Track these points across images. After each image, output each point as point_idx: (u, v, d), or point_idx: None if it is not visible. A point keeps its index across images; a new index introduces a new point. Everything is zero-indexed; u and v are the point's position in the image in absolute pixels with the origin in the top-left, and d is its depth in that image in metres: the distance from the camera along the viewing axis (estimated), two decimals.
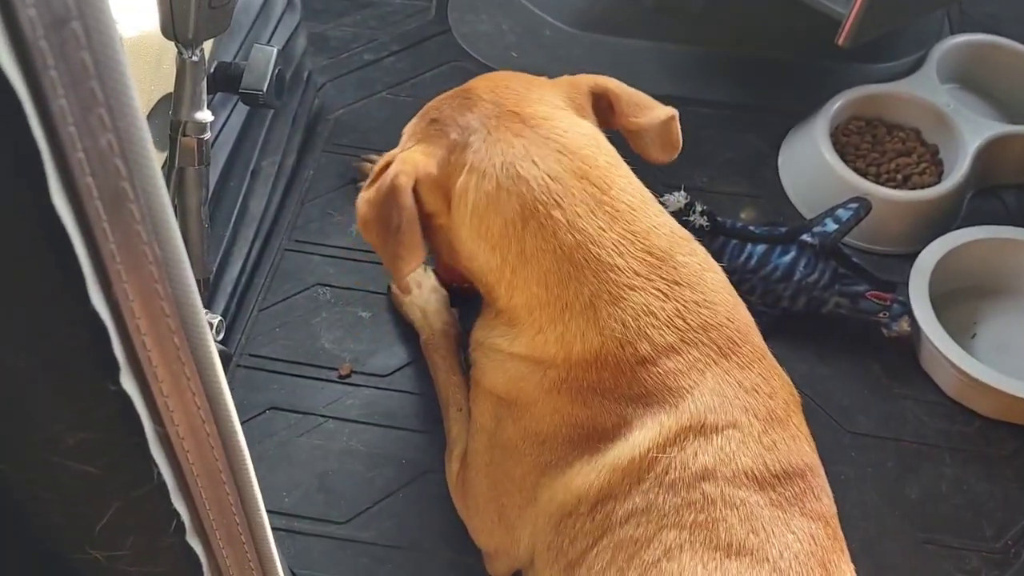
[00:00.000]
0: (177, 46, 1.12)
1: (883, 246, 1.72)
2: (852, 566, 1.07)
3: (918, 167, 1.76)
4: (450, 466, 1.34)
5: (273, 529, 0.71)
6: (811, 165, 1.76)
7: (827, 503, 1.08)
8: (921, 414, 1.53)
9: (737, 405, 1.06)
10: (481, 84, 1.19)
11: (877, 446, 1.49)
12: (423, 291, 1.53)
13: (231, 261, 1.55)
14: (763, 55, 2.01)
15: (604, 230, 1.08)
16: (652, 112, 1.24)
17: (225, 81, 1.27)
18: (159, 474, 0.57)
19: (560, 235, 1.07)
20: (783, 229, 1.57)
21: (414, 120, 1.21)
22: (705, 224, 1.54)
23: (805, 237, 1.53)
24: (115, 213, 0.46)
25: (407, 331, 1.56)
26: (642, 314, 1.07)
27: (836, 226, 1.53)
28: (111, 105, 0.44)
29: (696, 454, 1.03)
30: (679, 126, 1.26)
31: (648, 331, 1.06)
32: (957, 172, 1.71)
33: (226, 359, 1.40)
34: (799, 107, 1.86)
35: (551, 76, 1.31)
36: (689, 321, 1.08)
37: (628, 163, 1.18)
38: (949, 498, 1.44)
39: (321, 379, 1.52)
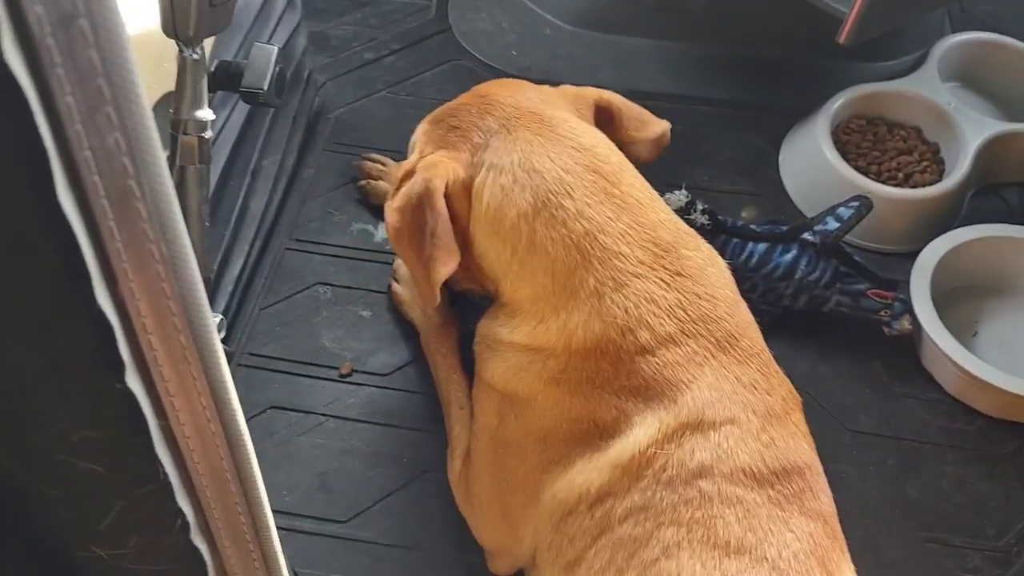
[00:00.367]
0: (178, 44, 1.12)
1: (884, 244, 1.72)
2: (852, 565, 1.07)
3: (919, 165, 1.76)
4: (452, 465, 1.34)
5: None
6: (812, 163, 1.76)
7: (826, 502, 1.08)
8: (922, 412, 1.53)
9: (735, 401, 1.06)
10: (498, 89, 1.22)
11: (878, 444, 1.49)
12: None
13: (232, 260, 1.55)
14: (764, 53, 2.01)
15: (612, 220, 1.10)
16: (651, 127, 1.30)
17: (226, 80, 1.27)
18: (164, 473, 0.57)
19: (569, 223, 1.09)
20: (784, 227, 1.57)
21: (427, 127, 1.23)
22: (706, 223, 1.53)
23: (806, 235, 1.53)
24: (122, 211, 0.46)
25: (408, 330, 1.56)
26: (644, 301, 1.08)
27: (837, 224, 1.53)
28: (118, 103, 0.44)
29: (694, 451, 1.03)
30: (669, 135, 1.32)
31: (648, 319, 1.07)
32: (958, 170, 1.71)
33: (227, 358, 1.40)
34: (800, 105, 1.86)
35: (552, 75, 1.32)
36: (689, 312, 1.09)
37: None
38: (951, 497, 1.44)
39: (322, 378, 1.52)
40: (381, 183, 1.67)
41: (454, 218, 1.14)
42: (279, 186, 1.68)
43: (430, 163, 1.15)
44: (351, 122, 1.85)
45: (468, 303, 1.45)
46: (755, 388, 1.08)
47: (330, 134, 1.83)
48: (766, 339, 1.16)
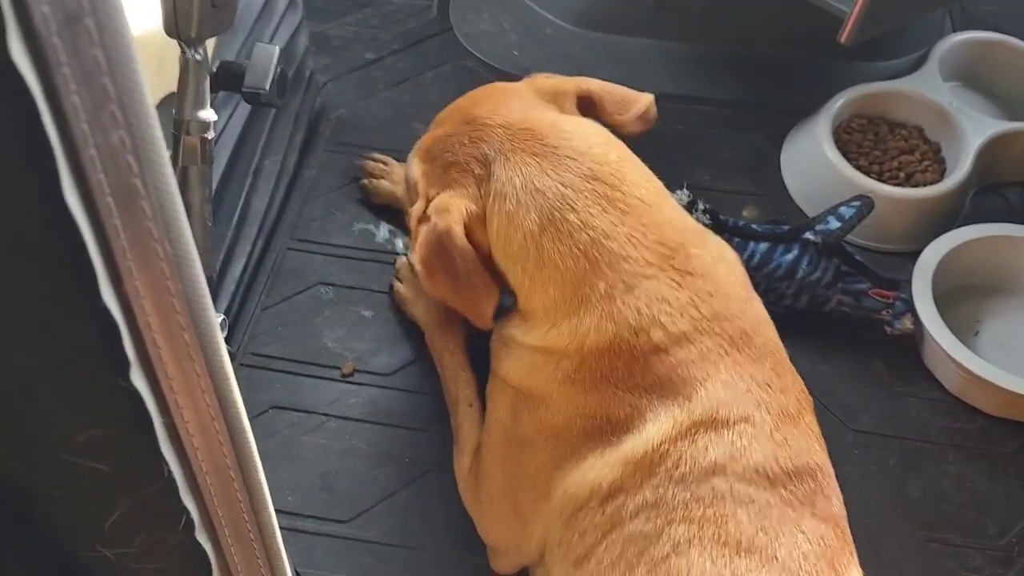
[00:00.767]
0: (180, 44, 1.12)
1: (886, 244, 1.72)
2: (860, 569, 1.07)
3: (920, 165, 1.76)
4: (460, 462, 1.34)
5: None
6: (813, 163, 1.76)
7: (837, 504, 1.08)
8: (924, 412, 1.53)
9: (749, 399, 1.06)
10: (481, 109, 1.20)
11: (880, 444, 1.49)
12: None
13: (234, 260, 1.55)
14: (765, 53, 2.01)
15: (617, 225, 1.10)
16: (634, 106, 1.29)
17: (228, 80, 1.27)
18: (169, 471, 0.57)
19: (575, 235, 1.10)
20: (786, 227, 1.57)
21: (424, 167, 1.21)
22: (707, 222, 1.54)
23: (808, 235, 1.53)
24: (126, 210, 0.46)
25: (410, 330, 1.56)
26: (656, 301, 1.08)
27: (839, 224, 1.53)
28: (123, 102, 0.44)
29: (707, 448, 1.03)
30: (655, 108, 1.31)
31: (662, 318, 1.08)
32: (959, 170, 1.71)
33: (229, 358, 1.40)
34: (801, 105, 1.86)
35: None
36: (702, 310, 1.09)
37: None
38: (952, 496, 1.44)
39: (324, 378, 1.52)
40: (383, 182, 1.67)
41: (479, 248, 1.15)
42: (281, 186, 1.68)
43: (442, 208, 1.14)
44: (352, 122, 1.85)
45: None
46: (769, 387, 1.08)
47: (332, 134, 1.83)
48: None
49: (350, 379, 1.52)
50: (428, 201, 1.18)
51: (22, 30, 0.39)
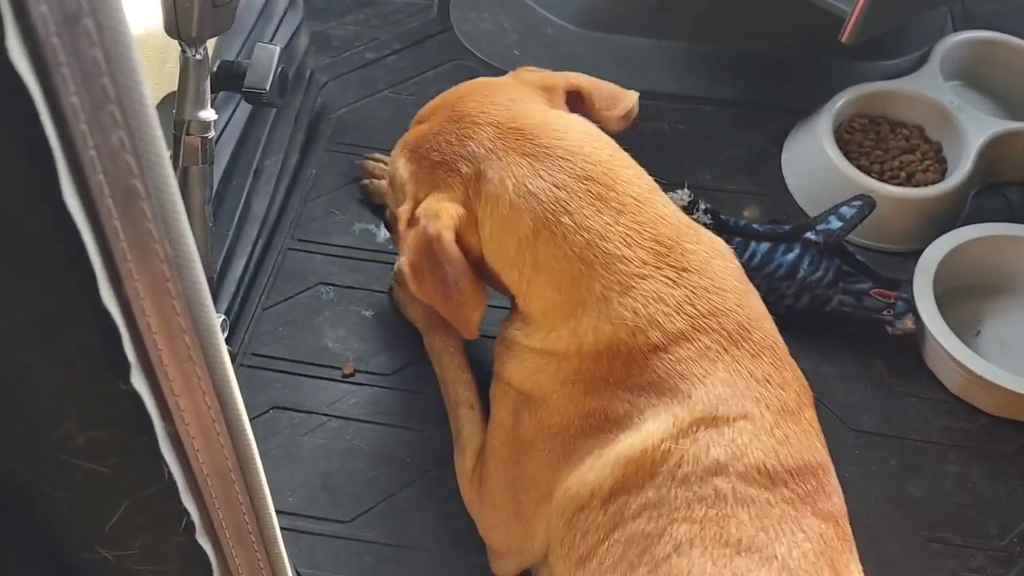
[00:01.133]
0: (181, 44, 1.12)
1: (887, 244, 1.72)
2: (860, 567, 1.07)
3: (922, 164, 1.76)
4: (463, 464, 1.34)
5: None
6: (815, 163, 1.76)
7: (838, 502, 1.08)
8: (925, 412, 1.53)
9: (749, 396, 1.06)
10: (468, 105, 1.17)
11: (881, 444, 1.49)
12: None
13: (234, 260, 1.55)
14: (766, 52, 2.01)
15: (611, 224, 1.09)
16: (621, 103, 1.28)
17: (228, 80, 1.27)
18: (169, 473, 0.57)
19: (570, 238, 1.08)
20: (787, 227, 1.57)
21: (411, 167, 1.19)
22: (708, 222, 1.53)
23: (809, 235, 1.53)
24: (126, 211, 0.46)
25: (410, 330, 1.55)
26: (652, 301, 1.08)
27: (840, 224, 1.52)
28: (123, 102, 0.44)
29: (708, 447, 1.03)
30: (637, 107, 1.31)
31: (659, 318, 1.07)
32: (961, 169, 1.71)
33: (230, 358, 1.40)
34: (802, 104, 1.86)
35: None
36: (698, 307, 1.08)
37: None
38: (953, 496, 1.44)
39: (324, 378, 1.52)
40: (384, 182, 1.67)
41: (468, 252, 1.13)
42: (281, 186, 1.68)
43: (431, 212, 1.12)
44: (353, 122, 1.85)
45: None
46: (768, 383, 1.08)
47: (332, 134, 1.83)
48: None
49: (351, 379, 1.52)
50: (416, 203, 1.16)
51: (21, 30, 0.39)
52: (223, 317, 1.38)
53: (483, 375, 1.33)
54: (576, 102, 1.26)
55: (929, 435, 1.50)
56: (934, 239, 1.63)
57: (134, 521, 0.59)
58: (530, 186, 1.10)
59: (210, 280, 1.29)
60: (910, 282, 1.57)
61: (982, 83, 1.93)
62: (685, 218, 1.16)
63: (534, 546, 1.19)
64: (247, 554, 0.67)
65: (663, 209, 1.13)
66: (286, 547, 0.73)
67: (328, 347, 1.55)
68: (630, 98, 1.29)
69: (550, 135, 1.12)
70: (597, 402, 1.09)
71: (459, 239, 1.12)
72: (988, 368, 1.48)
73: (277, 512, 0.70)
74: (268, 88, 1.25)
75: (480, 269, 1.15)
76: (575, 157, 1.11)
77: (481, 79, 1.27)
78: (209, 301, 0.53)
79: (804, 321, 1.56)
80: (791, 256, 1.53)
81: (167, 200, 0.48)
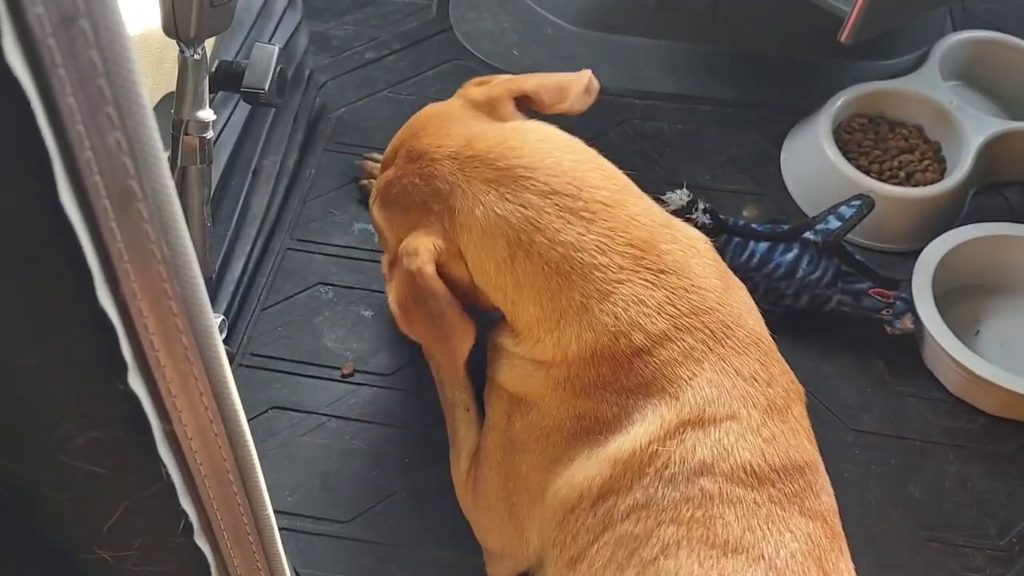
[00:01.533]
0: (179, 44, 1.12)
1: (886, 243, 1.72)
2: (851, 565, 1.07)
3: (921, 164, 1.76)
4: (458, 467, 1.34)
5: None
6: (814, 162, 1.76)
7: (827, 501, 1.08)
8: (924, 411, 1.53)
9: (735, 395, 1.06)
10: (424, 142, 1.18)
11: (880, 444, 1.49)
12: None
13: (233, 260, 1.55)
14: (765, 52, 2.01)
15: (583, 235, 1.09)
16: (574, 90, 1.28)
17: (227, 80, 1.26)
18: (167, 474, 0.57)
19: (545, 254, 1.09)
20: (786, 227, 1.57)
21: (384, 214, 1.22)
22: (707, 222, 1.53)
23: (808, 235, 1.53)
24: (123, 212, 0.46)
25: None
26: (632, 304, 1.08)
27: (839, 223, 1.52)
28: (119, 103, 0.43)
29: (695, 448, 1.03)
30: (595, 80, 1.31)
31: (640, 320, 1.07)
32: (960, 169, 1.71)
33: (228, 358, 1.40)
34: (802, 104, 1.86)
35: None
36: (679, 307, 1.08)
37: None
38: (953, 496, 1.44)
39: (323, 378, 1.52)
40: None
41: (457, 282, 1.14)
42: (280, 186, 1.68)
43: (410, 249, 1.13)
44: (352, 122, 1.85)
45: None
46: (755, 380, 1.08)
47: (331, 134, 1.83)
48: None
49: (350, 379, 1.52)
50: (398, 243, 1.17)
51: (16, 31, 0.38)
52: (222, 317, 1.38)
53: (480, 378, 1.33)
54: (526, 105, 1.26)
55: (929, 435, 1.50)
56: (933, 239, 1.63)
57: (132, 522, 0.59)
58: (498, 211, 1.10)
59: (209, 280, 1.29)
60: (909, 282, 1.57)
61: (981, 83, 1.93)
62: (659, 215, 1.15)
63: (528, 550, 1.19)
64: (245, 555, 0.67)
65: (633, 209, 1.13)
66: (285, 547, 0.73)
67: (327, 347, 1.55)
68: (580, 81, 1.29)
69: (508, 156, 1.12)
70: (588, 405, 1.09)
71: (442, 271, 1.13)
72: (987, 368, 1.48)
73: (276, 512, 0.70)
74: (267, 88, 1.25)
75: (474, 295, 1.17)
76: (536, 173, 1.11)
77: (429, 109, 1.27)
78: (206, 302, 0.53)
79: (803, 321, 1.57)
80: (790, 256, 1.53)
81: (164, 201, 0.48)
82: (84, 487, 0.58)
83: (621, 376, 1.07)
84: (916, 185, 1.73)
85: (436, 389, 1.46)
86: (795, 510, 1.03)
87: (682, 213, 1.52)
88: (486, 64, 1.95)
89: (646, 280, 1.09)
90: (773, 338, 1.16)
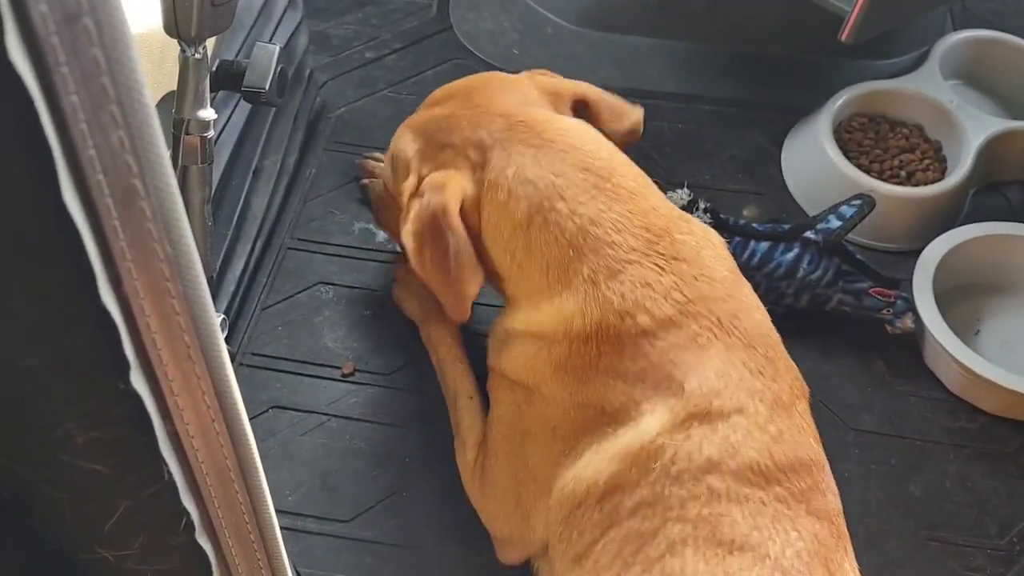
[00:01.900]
0: (180, 44, 1.12)
1: (887, 243, 1.72)
2: (855, 565, 1.07)
3: (921, 164, 1.76)
4: (464, 456, 1.34)
5: None
6: (814, 162, 1.76)
7: (832, 500, 1.08)
8: (925, 411, 1.53)
9: (742, 389, 1.06)
10: (486, 97, 1.21)
11: (881, 443, 1.49)
12: (416, 281, 1.52)
13: (233, 260, 1.55)
14: (766, 52, 2.01)
15: (604, 211, 1.11)
16: (626, 118, 1.31)
17: (227, 79, 1.26)
18: (169, 473, 0.57)
19: (562, 223, 1.11)
20: (786, 226, 1.57)
21: (418, 145, 1.22)
22: (708, 221, 1.53)
23: (808, 234, 1.53)
24: (126, 210, 0.46)
25: (410, 329, 1.55)
26: (639, 285, 1.09)
27: (839, 223, 1.52)
28: (122, 102, 0.43)
29: (702, 444, 1.03)
30: (642, 126, 1.33)
31: (646, 303, 1.08)
32: (960, 168, 1.71)
33: (229, 358, 1.40)
34: (802, 104, 1.86)
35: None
36: (687, 293, 1.09)
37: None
38: (953, 495, 1.44)
39: (324, 378, 1.52)
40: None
41: (468, 231, 1.15)
42: (281, 185, 1.68)
43: (439, 183, 1.15)
44: (353, 121, 1.85)
45: None
46: (762, 374, 1.08)
47: (332, 133, 1.83)
48: None
49: (350, 379, 1.52)
50: (420, 178, 1.18)
51: (20, 29, 0.38)
52: (223, 316, 1.38)
53: (481, 368, 1.33)
54: (582, 111, 1.28)
55: (929, 434, 1.50)
56: (934, 238, 1.63)
57: (134, 521, 0.59)
58: (529, 174, 1.13)
59: (209, 280, 1.29)
60: (910, 281, 1.57)
61: (982, 82, 1.93)
62: (678, 211, 1.18)
63: (534, 538, 1.20)
64: (247, 553, 0.67)
65: (656, 201, 1.16)
66: (286, 546, 0.73)
67: (327, 346, 1.55)
68: (637, 114, 1.32)
69: (555, 131, 1.16)
70: (591, 391, 1.09)
71: (463, 215, 1.14)
72: (988, 367, 1.48)
73: (277, 511, 0.70)
74: (267, 87, 1.25)
75: (477, 251, 1.17)
76: (576, 151, 1.14)
77: (495, 73, 1.31)
78: (208, 301, 0.53)
79: (804, 321, 1.56)
80: (791, 255, 1.52)
81: (167, 199, 0.47)
82: (85, 486, 0.58)
83: (626, 358, 1.08)
84: (916, 184, 1.73)
85: (437, 386, 1.46)
86: (801, 509, 1.03)
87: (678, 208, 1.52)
88: (486, 64, 1.95)
89: (656, 264, 1.10)
90: None
